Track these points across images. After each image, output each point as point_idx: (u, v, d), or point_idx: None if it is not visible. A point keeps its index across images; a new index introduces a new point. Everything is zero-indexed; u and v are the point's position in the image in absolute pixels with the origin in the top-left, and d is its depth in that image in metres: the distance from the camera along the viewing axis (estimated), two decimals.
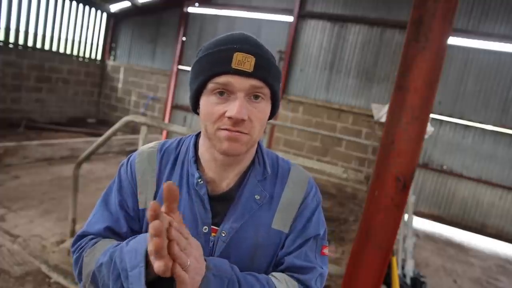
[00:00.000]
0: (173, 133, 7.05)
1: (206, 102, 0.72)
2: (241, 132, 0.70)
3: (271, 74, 0.72)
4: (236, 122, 0.69)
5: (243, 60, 0.68)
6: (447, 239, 5.85)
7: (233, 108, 0.68)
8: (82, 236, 0.83)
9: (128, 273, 0.62)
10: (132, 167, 0.84)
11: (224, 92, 0.70)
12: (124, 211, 0.82)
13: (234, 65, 0.68)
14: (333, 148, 7.54)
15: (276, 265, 0.83)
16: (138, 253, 0.62)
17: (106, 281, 0.68)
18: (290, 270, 0.80)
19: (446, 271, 4.41)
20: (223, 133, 0.70)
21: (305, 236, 0.82)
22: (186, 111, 8.87)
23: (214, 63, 0.69)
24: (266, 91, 0.72)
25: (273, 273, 0.80)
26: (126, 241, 0.70)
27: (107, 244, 0.76)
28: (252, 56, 0.69)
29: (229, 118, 0.68)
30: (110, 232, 0.81)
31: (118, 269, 0.65)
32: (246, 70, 0.68)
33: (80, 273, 0.77)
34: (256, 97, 0.71)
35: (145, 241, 0.61)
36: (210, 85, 0.70)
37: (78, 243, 0.82)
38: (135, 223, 0.83)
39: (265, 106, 0.74)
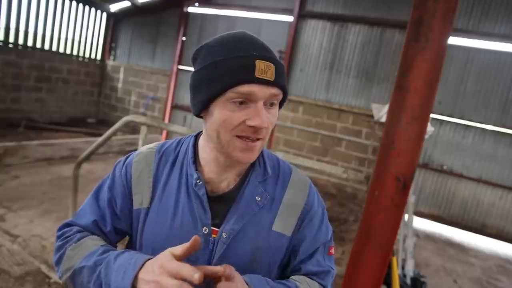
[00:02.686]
0: (173, 133, 7.05)
1: (223, 109, 0.69)
2: (258, 139, 0.72)
3: (285, 80, 0.73)
4: (257, 130, 0.69)
5: (265, 69, 0.67)
6: (447, 239, 5.85)
7: (255, 118, 0.68)
8: (69, 225, 0.85)
9: None
10: (127, 167, 0.84)
11: (244, 101, 0.69)
12: (112, 209, 0.83)
13: (258, 74, 0.67)
14: (333, 148, 7.54)
15: (291, 272, 0.86)
16: (126, 277, 0.64)
17: (86, 284, 0.71)
18: (308, 275, 0.85)
19: (446, 271, 4.41)
20: (241, 144, 0.71)
21: (317, 244, 0.86)
22: (186, 111, 8.87)
23: (236, 71, 0.67)
24: (281, 96, 0.73)
25: (293, 277, 0.84)
26: (114, 254, 0.71)
27: (93, 245, 0.77)
28: (272, 64, 0.69)
29: (251, 126, 0.68)
30: (96, 227, 0.83)
31: (102, 280, 0.68)
32: (269, 79, 0.68)
33: (58, 262, 0.79)
34: (272, 103, 0.72)
35: (134, 268, 0.64)
36: (230, 94, 0.67)
37: (64, 230, 0.84)
38: (121, 223, 0.83)
39: (276, 110, 0.75)
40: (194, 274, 0.57)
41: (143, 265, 0.65)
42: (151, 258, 0.66)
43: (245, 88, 0.67)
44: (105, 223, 0.82)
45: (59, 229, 0.85)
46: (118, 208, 0.83)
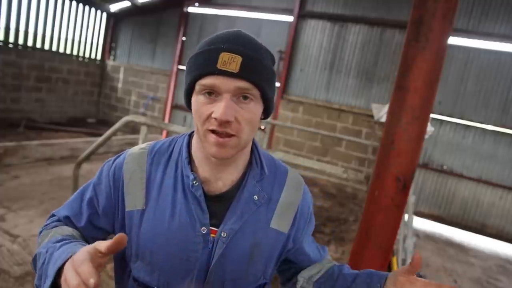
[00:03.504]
0: (173, 133, 7.05)
1: (195, 101, 0.71)
2: (228, 135, 0.69)
3: (260, 75, 0.69)
4: (221, 123, 0.67)
5: (229, 61, 0.66)
6: (447, 239, 5.85)
7: (218, 110, 0.66)
8: (53, 215, 0.89)
9: (46, 280, 0.63)
10: (117, 169, 0.83)
11: (212, 93, 0.68)
12: (93, 209, 0.84)
13: (219, 65, 0.66)
14: (333, 148, 7.54)
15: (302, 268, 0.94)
16: (55, 267, 0.62)
17: (38, 270, 0.71)
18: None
19: (446, 271, 4.41)
20: (212, 138, 0.69)
21: (310, 233, 0.95)
22: (186, 111, 8.87)
23: (200, 64, 0.68)
24: (255, 92, 0.70)
25: (322, 264, 0.94)
26: (60, 243, 0.71)
27: (58, 235, 0.78)
28: (239, 56, 0.66)
29: (215, 119, 0.67)
30: (69, 222, 0.85)
31: (43, 268, 0.68)
32: (232, 71, 0.66)
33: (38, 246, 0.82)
34: (245, 97, 0.69)
35: (64, 258, 0.62)
36: (197, 87, 0.70)
37: (49, 220, 0.88)
38: (100, 221, 0.83)
39: (254, 107, 0.71)
40: (90, 278, 0.52)
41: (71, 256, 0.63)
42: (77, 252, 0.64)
43: (207, 81, 0.67)
44: (80, 220, 0.84)
45: (47, 219, 0.89)
46: (100, 208, 0.82)
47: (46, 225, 0.86)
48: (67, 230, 0.82)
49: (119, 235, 0.56)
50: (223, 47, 0.67)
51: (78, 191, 0.89)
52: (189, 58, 0.73)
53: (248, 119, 0.70)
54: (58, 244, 0.71)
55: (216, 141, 0.69)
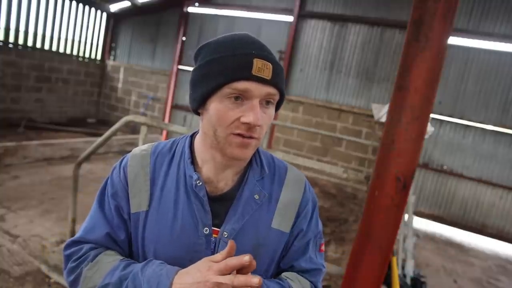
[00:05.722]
0: (173, 133, 7.05)
1: (219, 106, 0.70)
2: (252, 138, 0.71)
3: (283, 81, 0.74)
4: (251, 128, 0.69)
5: (263, 67, 0.69)
6: (447, 239, 5.85)
7: (250, 115, 0.68)
8: (79, 242, 0.82)
9: None
10: (124, 171, 0.83)
11: (240, 97, 0.69)
12: (120, 217, 0.82)
13: (254, 71, 0.68)
14: (333, 148, 7.54)
15: (284, 269, 0.88)
16: (161, 286, 0.67)
17: None
18: (300, 272, 0.87)
19: (446, 271, 4.41)
20: (236, 139, 0.71)
21: (307, 238, 0.88)
22: (186, 111, 8.87)
23: (233, 68, 0.68)
24: (276, 97, 0.74)
25: (285, 274, 0.85)
26: (139, 267, 0.72)
27: (111, 261, 0.76)
28: (270, 64, 0.70)
29: (245, 123, 0.69)
30: (110, 239, 0.81)
31: None
32: (265, 78, 0.69)
33: (74, 284, 0.78)
34: (267, 102, 0.72)
35: (168, 277, 0.68)
36: (227, 90, 0.69)
37: (73, 250, 0.81)
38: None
39: (272, 111, 0.75)
40: (253, 278, 0.62)
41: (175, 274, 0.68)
42: (181, 270, 0.69)
43: (241, 85, 0.68)
44: (118, 233, 0.81)
45: (66, 248, 0.82)
46: (125, 213, 0.82)
47: (79, 256, 0.79)
48: (114, 254, 0.80)
49: (230, 242, 0.66)
50: (254, 53, 0.69)
51: (94, 210, 0.84)
52: (207, 61, 0.72)
53: (267, 123, 0.74)
54: (136, 269, 0.72)
55: (241, 142, 0.71)
